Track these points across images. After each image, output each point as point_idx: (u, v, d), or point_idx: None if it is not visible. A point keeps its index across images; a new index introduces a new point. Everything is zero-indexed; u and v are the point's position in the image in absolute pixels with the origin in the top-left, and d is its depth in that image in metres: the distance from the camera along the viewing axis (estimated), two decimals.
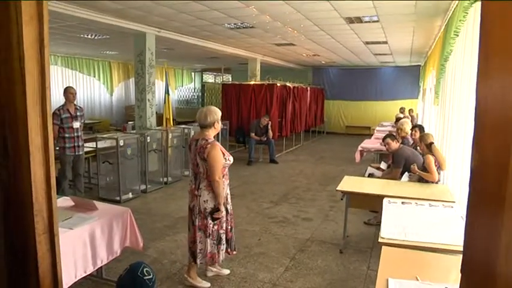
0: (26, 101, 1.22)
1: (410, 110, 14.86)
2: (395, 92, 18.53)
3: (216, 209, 4.06)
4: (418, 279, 2.58)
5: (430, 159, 5.31)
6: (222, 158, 3.99)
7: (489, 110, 0.77)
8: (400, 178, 5.81)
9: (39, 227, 1.26)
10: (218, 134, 11.16)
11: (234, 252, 4.49)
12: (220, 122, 4.16)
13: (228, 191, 4.29)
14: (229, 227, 4.34)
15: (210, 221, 4.09)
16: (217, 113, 4.12)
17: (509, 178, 0.63)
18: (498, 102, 0.72)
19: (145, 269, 2.16)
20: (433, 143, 5.46)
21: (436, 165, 5.32)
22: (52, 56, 15.01)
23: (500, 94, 0.72)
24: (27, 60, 1.18)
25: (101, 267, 4.15)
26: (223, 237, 4.25)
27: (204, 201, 4.06)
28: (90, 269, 3.72)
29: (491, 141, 0.75)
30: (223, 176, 4.08)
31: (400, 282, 2.54)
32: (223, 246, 4.28)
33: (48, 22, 1.23)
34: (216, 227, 4.15)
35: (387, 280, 2.57)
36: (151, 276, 2.17)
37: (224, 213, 4.17)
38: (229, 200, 4.31)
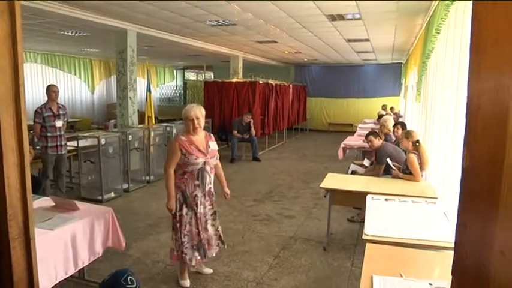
0: None
1: (392, 108, 14.95)
2: (378, 89, 18.69)
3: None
4: (402, 276, 2.58)
5: (413, 158, 5.28)
6: (175, 153, 3.99)
7: (481, 107, 0.75)
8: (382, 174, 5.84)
9: (14, 231, 1.21)
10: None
11: (205, 260, 4.33)
12: (185, 121, 4.13)
13: (198, 193, 4.12)
14: (197, 231, 4.18)
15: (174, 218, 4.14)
16: (183, 111, 4.14)
17: (504, 178, 0.62)
18: (491, 100, 0.71)
19: (129, 277, 2.13)
20: (418, 141, 5.47)
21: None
22: (32, 53, 14.81)
23: (494, 92, 0.70)
24: None
25: (83, 268, 4.08)
26: (186, 239, 4.15)
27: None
28: (72, 271, 3.65)
29: (483, 140, 0.73)
30: (184, 173, 4.06)
31: (385, 279, 2.54)
32: (187, 251, 4.16)
33: (21, 17, 1.18)
34: (178, 225, 4.13)
35: (371, 277, 2.57)
36: (134, 286, 2.13)
37: (190, 214, 4.13)
38: (198, 201, 4.13)
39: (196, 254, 4.18)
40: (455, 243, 0.90)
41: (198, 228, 4.16)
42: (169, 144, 3.99)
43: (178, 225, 4.12)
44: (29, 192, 1.30)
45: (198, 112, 4.08)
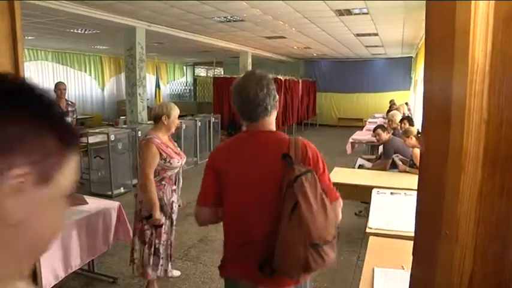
0: None
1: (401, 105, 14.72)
2: (388, 84, 18.51)
3: (150, 215, 3.62)
4: (404, 268, 2.61)
5: (417, 152, 5.30)
6: (155, 158, 3.53)
7: (433, 102, 0.80)
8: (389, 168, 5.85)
9: None
10: (210, 126, 11.14)
11: (174, 273, 4.18)
12: (172, 119, 3.72)
13: (175, 199, 3.79)
14: (170, 240, 3.86)
15: (147, 227, 3.69)
16: (169, 107, 3.75)
17: (448, 167, 0.66)
18: (439, 96, 0.76)
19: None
20: (419, 131, 5.47)
21: None
22: (42, 51, 14.94)
23: (439, 90, 0.75)
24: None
25: (93, 261, 4.18)
26: (162, 250, 3.77)
27: (140, 201, 3.69)
28: (81, 264, 3.73)
29: (434, 131, 0.78)
30: (163, 179, 3.66)
31: (386, 271, 2.57)
32: (162, 262, 3.80)
33: (21, 17, 1.24)
34: (153, 236, 3.72)
35: (373, 269, 2.61)
36: None
37: (167, 222, 3.77)
38: (175, 208, 3.81)
39: (170, 265, 3.91)
40: (415, 227, 0.95)
41: (171, 238, 3.88)
42: (143, 148, 3.56)
43: (153, 236, 3.72)
44: None
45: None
